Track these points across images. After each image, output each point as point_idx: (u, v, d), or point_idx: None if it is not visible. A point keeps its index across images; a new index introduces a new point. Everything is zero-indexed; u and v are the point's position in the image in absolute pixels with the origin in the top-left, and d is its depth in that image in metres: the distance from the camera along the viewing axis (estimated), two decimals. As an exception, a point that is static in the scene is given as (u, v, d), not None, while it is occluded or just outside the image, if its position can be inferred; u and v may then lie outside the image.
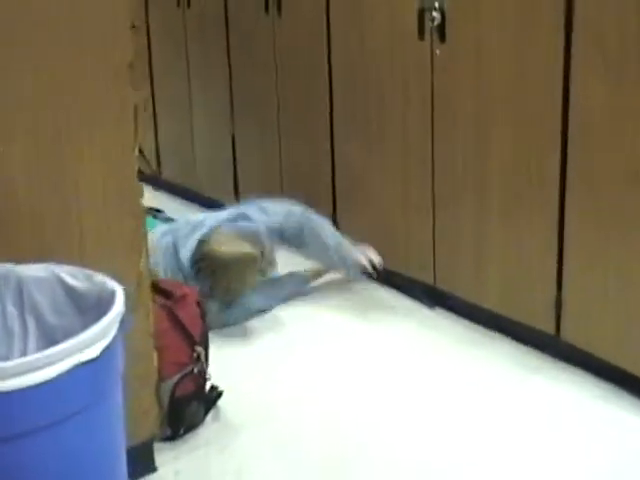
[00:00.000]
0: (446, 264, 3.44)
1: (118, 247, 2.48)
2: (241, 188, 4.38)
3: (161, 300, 2.83)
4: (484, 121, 3.13)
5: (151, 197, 4.86)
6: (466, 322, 3.46)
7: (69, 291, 2.25)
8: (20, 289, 2.26)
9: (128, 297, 2.50)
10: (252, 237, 3.46)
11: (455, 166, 3.28)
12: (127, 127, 2.41)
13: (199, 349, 2.85)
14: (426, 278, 3.53)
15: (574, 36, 2.79)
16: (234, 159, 4.35)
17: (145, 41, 4.72)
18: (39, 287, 2.26)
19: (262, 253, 3.47)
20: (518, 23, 2.95)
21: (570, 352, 3.09)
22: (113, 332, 2.02)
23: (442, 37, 3.19)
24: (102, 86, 2.34)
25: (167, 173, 4.88)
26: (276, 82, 3.97)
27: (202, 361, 2.85)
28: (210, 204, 4.66)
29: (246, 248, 3.42)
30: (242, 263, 3.43)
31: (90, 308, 2.20)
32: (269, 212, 3.63)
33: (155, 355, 2.66)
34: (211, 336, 2.96)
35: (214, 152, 4.49)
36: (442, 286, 3.49)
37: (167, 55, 4.63)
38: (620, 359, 2.91)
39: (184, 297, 2.86)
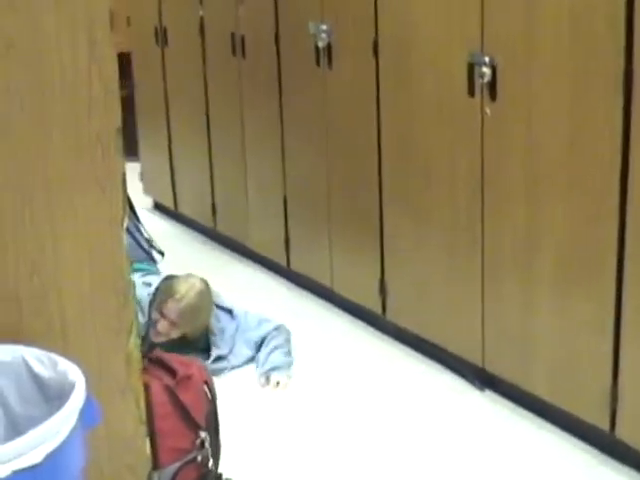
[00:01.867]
0: (494, 347, 3.12)
1: (104, 327, 2.27)
2: (292, 251, 4.15)
3: (165, 379, 2.60)
4: (536, 193, 2.82)
5: (206, 250, 4.74)
6: (515, 408, 3.14)
7: (34, 378, 2.06)
8: (-15, 374, 2.07)
9: (115, 380, 2.33)
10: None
11: (504, 244, 2.99)
12: (114, 198, 2.19)
13: (203, 434, 2.60)
14: (475, 359, 3.22)
15: (634, 98, 2.47)
16: (285, 220, 4.12)
17: (203, 89, 4.56)
18: (4, 372, 2.07)
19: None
20: (573, 83, 2.64)
21: (626, 453, 2.75)
22: (63, 433, 1.80)
23: (493, 95, 2.90)
24: (85, 153, 2.14)
25: (221, 226, 4.69)
26: (326, 138, 3.73)
27: (207, 448, 2.61)
28: (261, 262, 4.46)
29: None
30: None
31: (54, 398, 2.00)
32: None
33: (147, 442, 2.43)
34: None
35: (266, 210, 4.28)
36: (490, 369, 3.18)
37: (223, 104, 4.45)
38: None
39: (189, 377, 2.62)
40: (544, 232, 2.83)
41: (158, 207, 5.44)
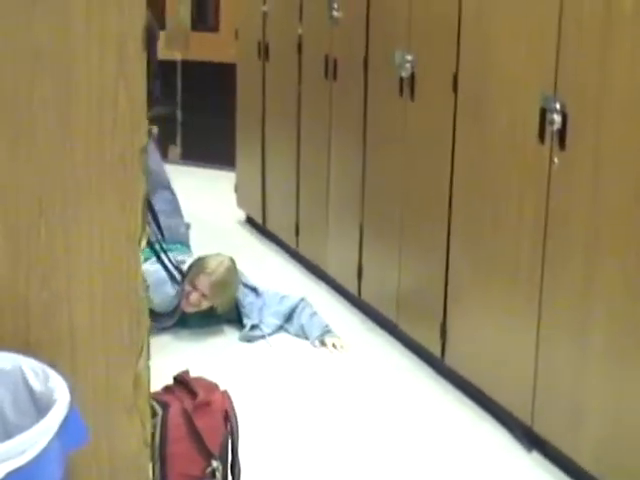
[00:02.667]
0: (544, 408, 2.95)
1: (114, 345, 2.24)
2: (363, 281, 4.07)
3: (185, 402, 2.56)
4: (595, 252, 2.66)
5: (286, 269, 4.71)
6: (561, 475, 2.95)
7: (29, 390, 2.04)
8: (-17, 378, 2.07)
9: (122, 399, 2.30)
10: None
11: (560, 304, 2.83)
12: (133, 216, 2.16)
13: (215, 464, 2.55)
14: (524, 417, 3.05)
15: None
16: (360, 249, 4.04)
17: (296, 108, 4.53)
18: (2, 380, 2.06)
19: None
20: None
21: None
22: (31, 452, 1.77)
23: (562, 143, 2.75)
24: (107, 169, 2.12)
25: (303, 247, 4.65)
26: (403, 171, 3.63)
27: (218, 478, 2.55)
28: (336, 288, 4.40)
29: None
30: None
31: (44, 411, 1.97)
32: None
33: (150, 464, 2.38)
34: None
35: (343, 237, 4.21)
36: (538, 429, 3.01)
37: (313, 125, 4.42)
38: None
39: (208, 404, 2.57)
40: (600, 295, 2.66)
41: (250, 221, 5.44)
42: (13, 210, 2.08)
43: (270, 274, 4.63)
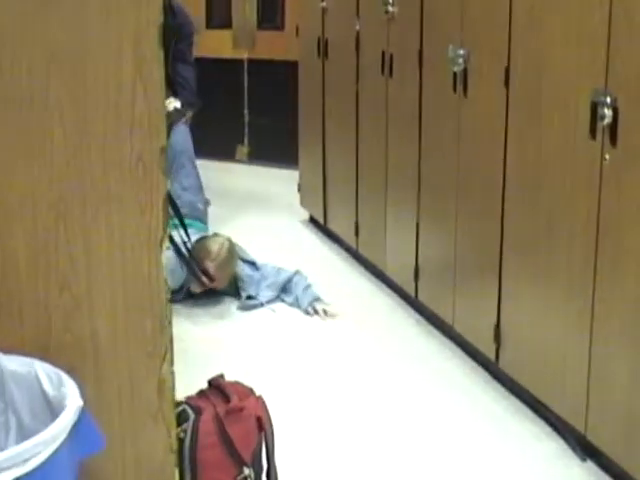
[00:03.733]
0: (598, 417, 2.81)
1: (137, 350, 2.20)
2: (420, 281, 3.97)
3: (219, 408, 2.51)
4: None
5: (346, 269, 4.64)
6: (615, 487, 2.82)
7: (43, 393, 2.03)
8: (2, 382, 2.06)
9: (146, 405, 2.27)
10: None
11: (614, 312, 2.69)
12: (154, 219, 2.12)
13: (247, 471, 2.50)
14: (578, 425, 2.92)
15: None
16: (416, 249, 3.95)
17: (354, 106, 4.46)
18: (18, 384, 2.07)
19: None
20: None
21: None
22: (37, 460, 1.75)
23: (613, 139, 2.61)
24: (126, 172, 2.08)
25: (362, 247, 4.58)
26: (457, 171, 3.52)
27: (250, 486, 2.50)
28: (394, 288, 4.31)
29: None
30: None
31: (57, 416, 1.94)
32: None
33: (177, 473, 2.34)
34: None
35: (400, 237, 4.11)
36: (592, 438, 2.87)
37: (370, 123, 4.33)
38: None
39: (241, 410, 2.51)
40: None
41: (313, 220, 5.39)
42: (31, 214, 2.07)
43: (330, 274, 4.58)
